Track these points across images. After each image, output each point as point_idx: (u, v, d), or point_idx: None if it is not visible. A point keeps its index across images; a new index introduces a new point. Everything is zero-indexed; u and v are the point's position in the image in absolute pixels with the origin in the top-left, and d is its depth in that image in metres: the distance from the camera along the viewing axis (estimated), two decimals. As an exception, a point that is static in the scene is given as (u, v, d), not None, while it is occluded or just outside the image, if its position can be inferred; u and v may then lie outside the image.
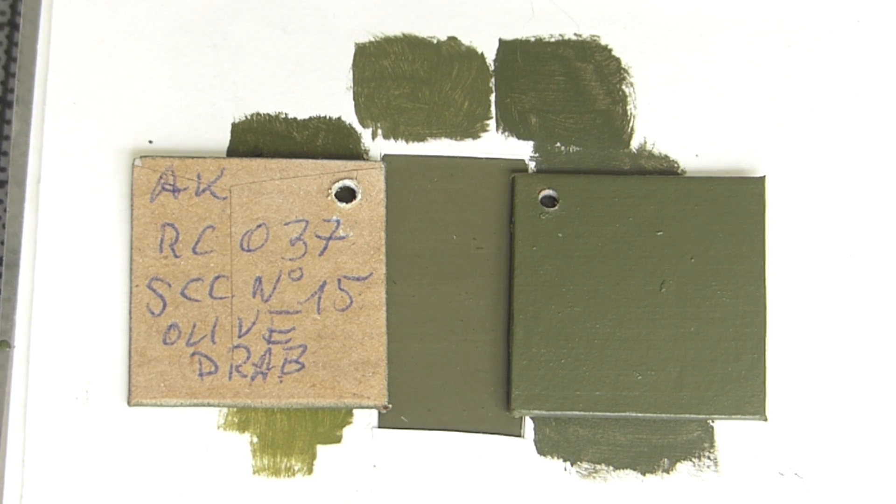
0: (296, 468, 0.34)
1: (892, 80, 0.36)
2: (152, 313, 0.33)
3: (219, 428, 0.34)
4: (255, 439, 0.34)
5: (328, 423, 0.34)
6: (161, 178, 0.34)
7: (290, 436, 0.34)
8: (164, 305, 0.34)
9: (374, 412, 0.34)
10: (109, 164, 0.35)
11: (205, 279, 0.34)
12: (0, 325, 0.35)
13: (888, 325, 0.35)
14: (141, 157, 0.34)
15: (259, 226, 0.34)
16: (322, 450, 0.34)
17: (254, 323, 0.34)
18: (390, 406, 0.34)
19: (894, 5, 0.37)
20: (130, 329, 0.33)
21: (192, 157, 0.34)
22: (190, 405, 0.34)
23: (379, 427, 0.34)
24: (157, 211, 0.34)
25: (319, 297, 0.34)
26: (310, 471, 0.34)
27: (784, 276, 0.35)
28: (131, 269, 0.34)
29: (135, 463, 0.34)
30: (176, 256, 0.34)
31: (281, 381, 0.33)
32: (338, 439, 0.34)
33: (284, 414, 0.34)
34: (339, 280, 0.34)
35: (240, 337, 0.34)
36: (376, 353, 0.34)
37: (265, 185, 0.34)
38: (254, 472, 0.34)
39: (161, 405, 0.33)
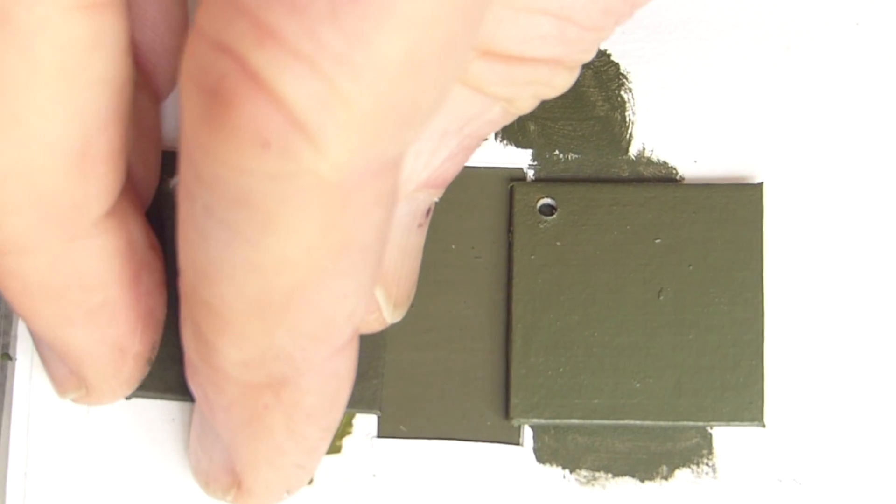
0: (296, 478, 0.34)
1: (892, 84, 0.36)
2: None
3: (219, 438, 0.34)
4: (255, 450, 0.34)
5: (328, 433, 0.34)
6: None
7: (290, 446, 0.34)
8: None
9: (374, 422, 0.34)
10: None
11: None
12: (1, 339, 0.35)
13: (886, 333, 0.35)
14: None
15: None
16: (322, 460, 0.34)
17: None
18: None
19: (894, 8, 0.36)
20: None
21: None
22: None
23: (378, 437, 0.34)
24: None
25: None
26: (310, 480, 0.34)
27: (782, 282, 0.35)
28: None
29: (137, 469, 0.34)
30: None
31: None
32: (337, 449, 0.34)
33: (284, 424, 0.34)
34: None
35: None
36: None
37: None
38: (254, 483, 0.34)
39: None
